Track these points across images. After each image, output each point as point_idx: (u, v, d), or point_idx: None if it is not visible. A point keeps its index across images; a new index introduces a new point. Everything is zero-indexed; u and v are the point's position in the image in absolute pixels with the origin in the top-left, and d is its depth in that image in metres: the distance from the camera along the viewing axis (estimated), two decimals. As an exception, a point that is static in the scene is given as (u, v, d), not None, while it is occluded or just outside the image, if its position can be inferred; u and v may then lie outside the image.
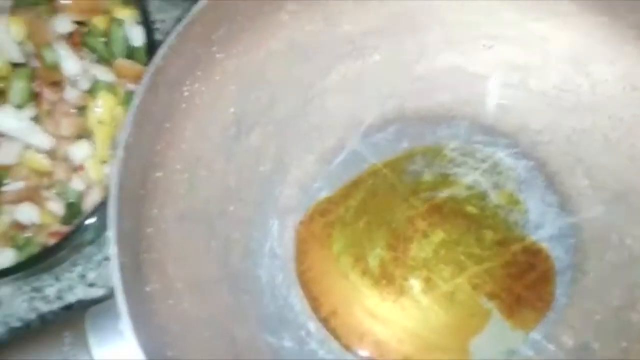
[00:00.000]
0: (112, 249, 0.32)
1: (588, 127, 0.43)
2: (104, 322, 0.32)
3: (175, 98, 0.39)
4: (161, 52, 0.37)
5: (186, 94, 0.40)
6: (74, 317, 0.33)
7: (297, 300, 0.41)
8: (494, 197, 0.43)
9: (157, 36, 0.48)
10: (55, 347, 0.31)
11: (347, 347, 0.40)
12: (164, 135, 0.39)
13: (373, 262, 0.41)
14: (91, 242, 0.42)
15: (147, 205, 0.37)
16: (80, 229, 0.39)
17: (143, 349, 0.31)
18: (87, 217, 0.39)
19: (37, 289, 0.46)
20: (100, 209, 0.40)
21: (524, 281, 0.40)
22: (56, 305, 0.46)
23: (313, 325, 0.40)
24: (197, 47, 0.39)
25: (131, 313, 0.32)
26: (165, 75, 0.37)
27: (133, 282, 0.34)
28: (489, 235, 0.42)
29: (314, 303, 0.41)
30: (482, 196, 0.43)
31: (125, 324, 0.31)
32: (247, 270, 0.41)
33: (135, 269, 0.35)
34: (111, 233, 0.33)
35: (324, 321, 0.40)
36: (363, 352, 0.40)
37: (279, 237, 0.42)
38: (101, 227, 0.40)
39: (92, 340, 0.32)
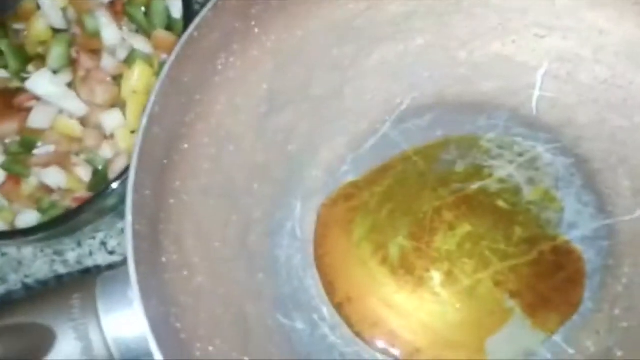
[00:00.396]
0: (127, 216, 0.32)
1: (636, 126, 0.40)
2: (114, 288, 0.32)
3: (209, 70, 0.39)
4: (195, 22, 0.37)
5: (220, 67, 0.39)
6: (85, 281, 0.33)
7: (313, 284, 0.40)
8: (528, 193, 0.41)
9: (197, 8, 0.47)
10: (65, 310, 0.31)
11: (359, 335, 0.39)
12: (194, 107, 0.38)
13: (394, 251, 0.40)
14: (114, 209, 0.42)
15: (170, 176, 0.37)
16: (102, 194, 0.40)
17: (148, 319, 0.30)
18: (110, 183, 0.40)
19: (58, 253, 0.47)
20: (124, 176, 0.40)
21: (551, 282, 0.39)
22: (75, 270, 0.46)
23: (326, 309, 0.40)
24: (234, 20, 0.38)
25: (142, 281, 0.31)
26: (199, 47, 0.37)
27: (149, 251, 0.34)
28: (517, 231, 0.40)
29: (329, 288, 0.40)
30: (515, 191, 0.41)
31: (134, 292, 0.31)
32: (266, 249, 0.41)
33: (152, 238, 0.35)
34: (128, 199, 0.33)
35: (338, 307, 0.40)
36: (374, 341, 0.39)
37: (301, 218, 0.42)
38: (124, 194, 0.40)
39: (101, 306, 0.32)
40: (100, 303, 0.32)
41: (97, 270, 0.46)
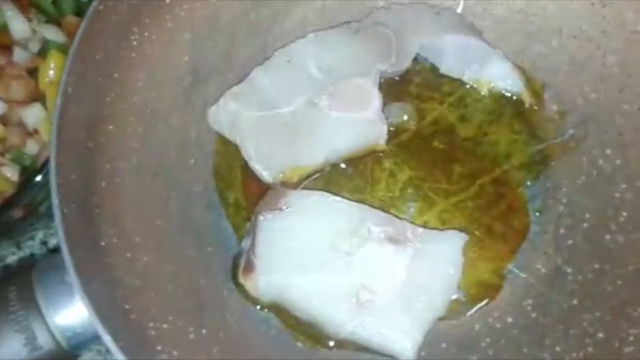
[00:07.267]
0: (53, 199, 0.31)
1: (554, 50, 0.41)
2: (52, 276, 0.31)
3: (123, 47, 0.37)
4: (99, -4, 0.35)
5: (135, 42, 0.38)
6: (21, 273, 0.31)
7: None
8: (461, 130, 0.41)
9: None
10: (1, 304, 0.30)
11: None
12: (113, 86, 0.37)
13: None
14: (43, 202, 0.40)
15: (98, 158, 0.36)
16: (27, 187, 0.38)
17: (90, 302, 0.29)
18: (34, 175, 0.38)
19: (-2, 259, 0.46)
20: (47, 167, 0.38)
21: (495, 212, 0.39)
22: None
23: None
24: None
25: (79, 265, 0.30)
26: (107, 21, 0.36)
27: (84, 236, 0.33)
28: (457, 169, 0.40)
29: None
30: (449, 130, 0.41)
31: (71, 276, 0.29)
32: (211, 222, 0.40)
33: (87, 223, 0.33)
34: (52, 183, 0.31)
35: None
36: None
37: (244, 188, 0.41)
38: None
39: (40, 295, 0.30)
40: (39, 292, 0.30)
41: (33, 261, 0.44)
